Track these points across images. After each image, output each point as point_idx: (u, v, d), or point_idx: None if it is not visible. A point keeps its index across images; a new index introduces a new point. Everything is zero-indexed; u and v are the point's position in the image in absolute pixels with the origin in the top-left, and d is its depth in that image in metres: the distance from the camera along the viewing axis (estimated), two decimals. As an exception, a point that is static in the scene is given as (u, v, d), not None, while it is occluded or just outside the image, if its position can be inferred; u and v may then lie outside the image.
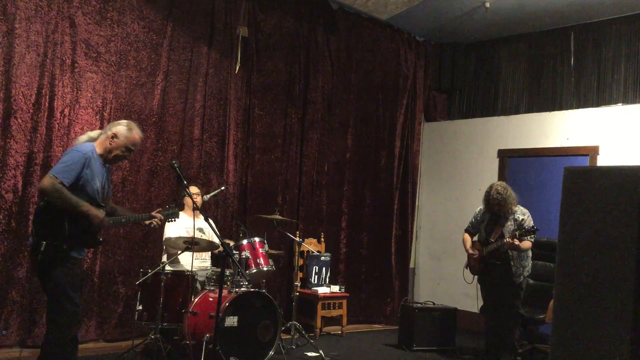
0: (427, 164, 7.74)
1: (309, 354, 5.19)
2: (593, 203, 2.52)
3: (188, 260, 4.78)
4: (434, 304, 6.00)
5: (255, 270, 5.00)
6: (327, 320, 6.23)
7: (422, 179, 7.74)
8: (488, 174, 6.94)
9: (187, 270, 4.66)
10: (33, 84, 4.74)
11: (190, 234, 4.76)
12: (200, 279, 4.90)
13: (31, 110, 4.74)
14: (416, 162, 7.58)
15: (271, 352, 4.58)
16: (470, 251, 5.26)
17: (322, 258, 6.29)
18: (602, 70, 6.56)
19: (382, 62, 7.19)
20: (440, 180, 7.58)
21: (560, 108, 6.76)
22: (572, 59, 6.80)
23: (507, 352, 5.10)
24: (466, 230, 5.43)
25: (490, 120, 7.24)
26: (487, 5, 6.36)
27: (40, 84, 4.77)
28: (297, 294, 5.73)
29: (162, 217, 3.81)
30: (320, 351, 5.13)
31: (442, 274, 7.32)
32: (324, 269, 6.26)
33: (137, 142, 3.59)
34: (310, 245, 6.32)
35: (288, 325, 5.51)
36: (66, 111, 4.91)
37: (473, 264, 5.30)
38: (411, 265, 7.51)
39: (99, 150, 3.48)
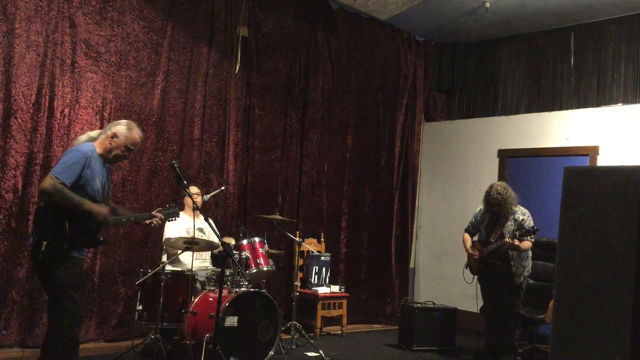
0: (427, 164, 7.74)
1: (309, 354, 5.19)
2: (593, 203, 2.52)
3: (188, 260, 4.79)
4: (434, 304, 6.00)
5: (255, 270, 5.01)
6: (327, 320, 6.23)
7: (422, 179, 7.74)
8: (488, 174, 6.94)
9: (187, 270, 4.66)
10: (33, 84, 4.74)
11: (191, 234, 4.77)
12: (200, 279, 4.90)
13: (31, 110, 4.74)
14: (416, 162, 7.58)
15: (271, 352, 4.58)
16: (471, 251, 5.26)
17: (322, 258, 6.29)
18: (602, 70, 6.56)
19: (382, 62, 7.19)
20: (440, 180, 7.58)
21: (560, 108, 6.76)
22: (572, 59, 6.80)
23: (507, 352, 5.10)
24: (466, 230, 5.43)
25: (490, 120, 7.24)
26: (487, 5, 6.36)
27: (40, 84, 4.78)
28: (297, 294, 5.73)
29: (163, 217, 3.81)
30: (320, 351, 5.13)
31: (442, 274, 7.32)
32: (324, 269, 6.27)
33: (137, 142, 3.59)
34: (310, 245, 6.32)
35: (288, 325, 5.51)
36: (66, 111, 4.91)
37: (473, 264, 5.30)
38: (411, 265, 7.52)
39: (98, 150, 3.48)
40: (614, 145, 6.11)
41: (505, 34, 7.30)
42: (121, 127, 3.53)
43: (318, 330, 6.00)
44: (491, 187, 5.13)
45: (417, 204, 7.61)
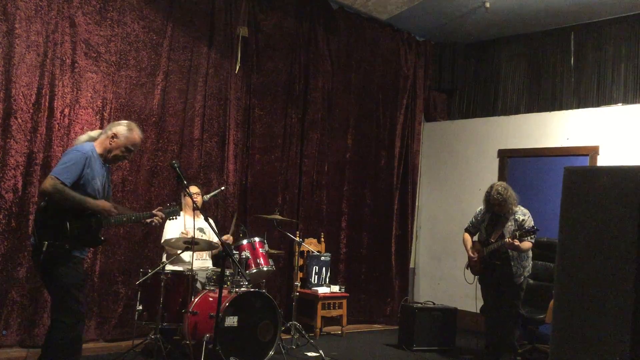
0: (427, 164, 7.74)
1: (309, 354, 5.19)
2: (593, 203, 2.52)
3: (189, 260, 4.79)
4: (434, 304, 6.00)
5: (255, 270, 5.01)
6: (327, 320, 6.23)
7: (422, 179, 7.74)
8: (488, 174, 6.94)
9: (187, 270, 4.66)
10: (33, 84, 4.74)
11: (191, 234, 4.77)
12: (200, 279, 4.90)
13: (31, 110, 4.74)
14: (416, 162, 7.58)
15: (271, 352, 4.58)
16: (470, 254, 5.25)
17: (322, 258, 6.29)
18: (602, 71, 6.56)
19: (382, 62, 7.19)
20: (440, 180, 7.58)
21: (560, 108, 6.76)
22: (572, 59, 6.80)
23: (507, 352, 5.10)
24: (466, 230, 5.43)
25: (490, 120, 7.24)
26: (487, 5, 6.36)
27: (40, 84, 4.77)
28: (297, 294, 5.73)
29: (163, 216, 3.82)
30: (320, 351, 5.13)
31: (442, 274, 7.32)
32: (324, 269, 6.26)
33: (137, 142, 3.59)
34: (310, 245, 6.32)
35: (288, 325, 5.51)
36: (66, 111, 4.91)
37: (473, 264, 5.30)
38: (411, 265, 7.52)
39: (98, 150, 3.49)
40: (614, 145, 6.11)
41: (505, 34, 7.30)
42: (121, 128, 3.53)
43: (318, 330, 6.00)
44: (491, 187, 5.12)
45: (417, 204, 7.61)
